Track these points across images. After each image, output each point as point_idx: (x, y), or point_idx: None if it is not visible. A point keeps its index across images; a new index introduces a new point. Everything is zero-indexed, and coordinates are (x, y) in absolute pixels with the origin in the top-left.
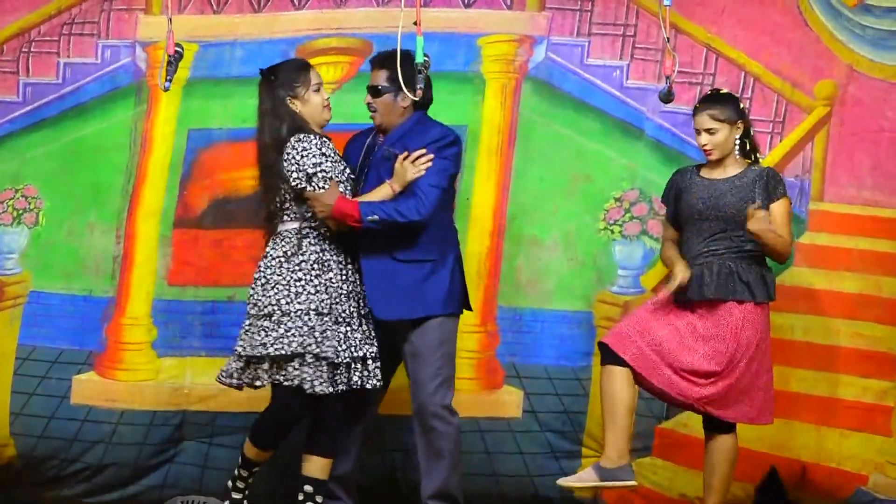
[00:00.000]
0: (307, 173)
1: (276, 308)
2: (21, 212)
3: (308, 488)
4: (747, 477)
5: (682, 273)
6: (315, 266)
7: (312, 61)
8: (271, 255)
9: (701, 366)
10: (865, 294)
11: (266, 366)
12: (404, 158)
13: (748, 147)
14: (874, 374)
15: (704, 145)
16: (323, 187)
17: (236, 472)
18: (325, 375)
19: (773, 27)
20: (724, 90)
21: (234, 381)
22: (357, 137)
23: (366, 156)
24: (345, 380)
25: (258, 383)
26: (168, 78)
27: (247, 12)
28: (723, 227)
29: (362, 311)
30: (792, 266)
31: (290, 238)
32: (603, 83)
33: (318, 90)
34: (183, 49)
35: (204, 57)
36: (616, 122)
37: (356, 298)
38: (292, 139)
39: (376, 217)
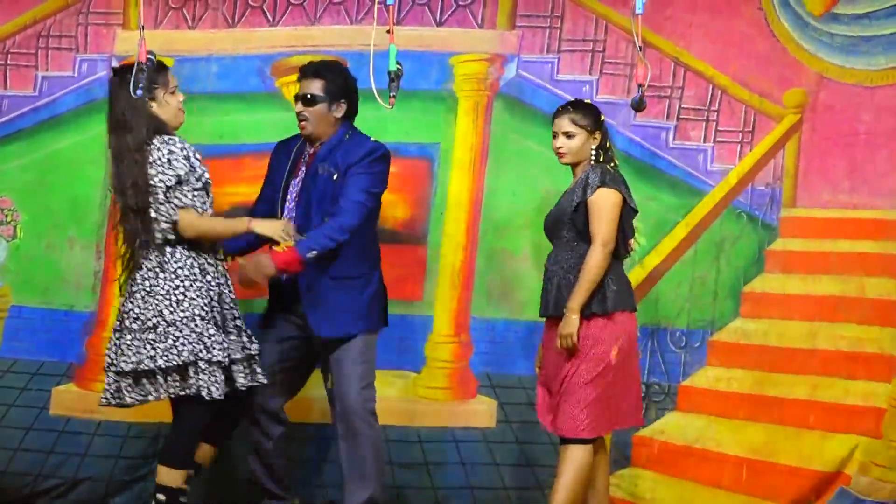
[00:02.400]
0: (178, 176)
1: (159, 319)
2: None
3: (161, 497)
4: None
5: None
6: (191, 272)
7: (288, 79)
8: (146, 266)
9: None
10: (846, 296)
11: (161, 379)
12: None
13: (601, 159)
14: (860, 376)
15: (559, 148)
16: (189, 196)
17: None
18: (220, 380)
19: (740, 39)
20: (588, 101)
21: (127, 399)
22: (283, 145)
23: (293, 166)
24: (232, 383)
25: (151, 398)
26: (140, 86)
27: (221, 27)
28: (560, 237)
29: (236, 314)
30: (764, 273)
31: (161, 246)
32: (573, 98)
33: (174, 93)
34: (155, 57)
35: (179, 72)
36: None
37: (231, 300)
38: (156, 141)
39: (315, 252)
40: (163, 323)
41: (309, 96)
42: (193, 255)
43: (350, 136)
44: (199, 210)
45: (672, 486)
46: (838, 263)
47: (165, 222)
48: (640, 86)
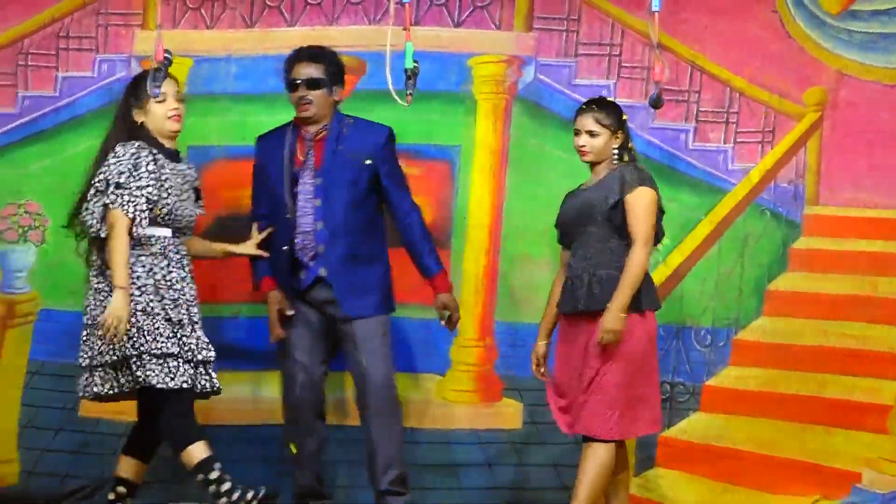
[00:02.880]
0: (109, 182)
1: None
2: (26, 229)
3: (122, 489)
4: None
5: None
6: (134, 269)
7: None
8: (95, 264)
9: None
10: (870, 295)
11: (113, 373)
12: None
13: (625, 159)
14: (874, 373)
15: (582, 146)
16: (119, 201)
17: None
18: (172, 370)
19: (756, 41)
20: (611, 99)
21: (94, 389)
22: (271, 137)
23: (292, 156)
24: (191, 380)
25: (114, 391)
26: (157, 84)
27: (239, 27)
28: (588, 233)
29: (194, 318)
30: (786, 271)
31: (104, 244)
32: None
33: (162, 101)
34: (172, 56)
35: (198, 72)
36: None
37: (186, 305)
38: (117, 145)
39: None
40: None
41: (311, 80)
42: (137, 253)
43: (353, 120)
44: (130, 216)
45: (696, 486)
46: (861, 262)
47: (96, 221)
48: (657, 83)
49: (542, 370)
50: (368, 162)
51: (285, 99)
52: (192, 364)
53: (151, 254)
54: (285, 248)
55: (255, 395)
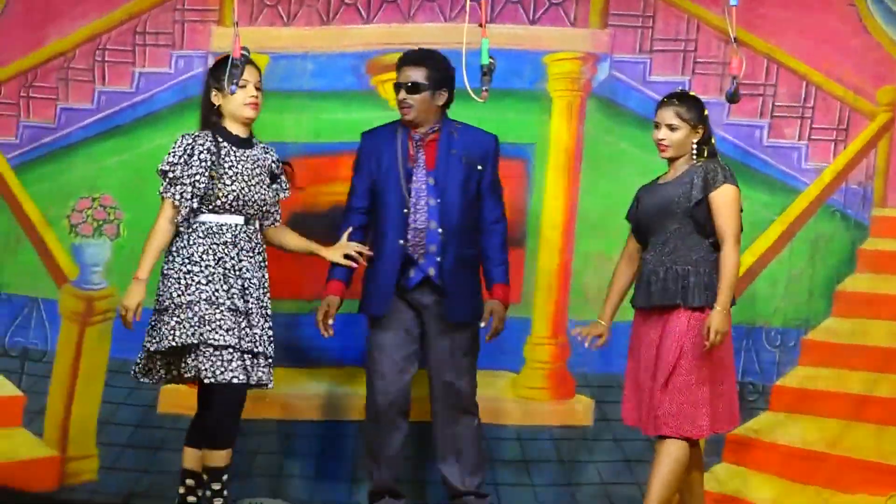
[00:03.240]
0: (160, 170)
1: (170, 301)
2: (101, 223)
3: (191, 482)
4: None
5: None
6: (204, 257)
7: (383, 76)
8: (169, 251)
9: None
10: None
11: (190, 358)
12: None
13: (705, 154)
14: None
15: (662, 140)
16: (168, 189)
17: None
18: (226, 364)
19: (833, 35)
20: (693, 93)
21: (169, 376)
22: (379, 133)
23: (405, 154)
24: (249, 372)
25: (187, 376)
26: (234, 82)
27: (316, 25)
28: (667, 229)
29: (263, 308)
30: (855, 273)
31: (182, 231)
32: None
33: (243, 87)
34: (249, 53)
35: (274, 70)
36: None
37: (256, 294)
38: (178, 135)
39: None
40: (172, 305)
41: (412, 84)
42: (208, 243)
43: (460, 124)
44: (176, 203)
45: (768, 483)
46: None
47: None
48: (734, 77)
49: (581, 337)
50: (480, 167)
51: (361, 96)
52: (250, 355)
53: (223, 242)
54: (401, 241)
55: (332, 392)
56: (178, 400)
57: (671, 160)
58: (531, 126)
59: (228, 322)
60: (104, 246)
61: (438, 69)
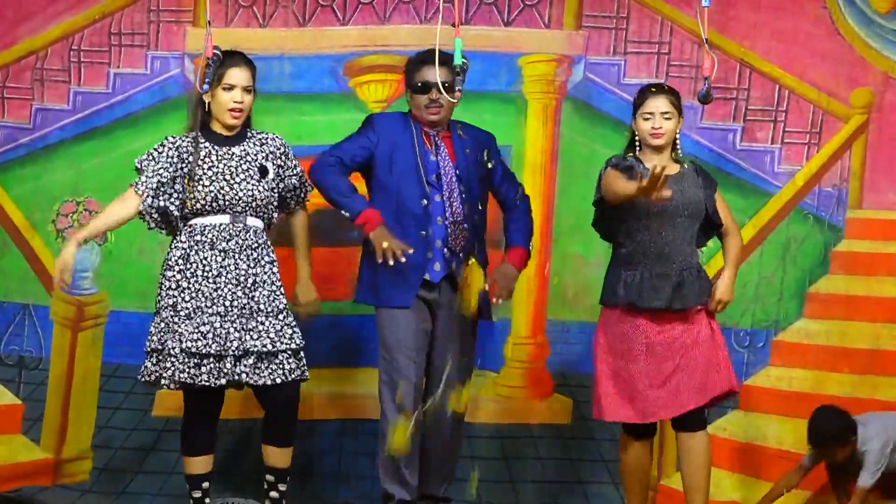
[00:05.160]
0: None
1: (162, 306)
2: None
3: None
4: None
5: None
6: (179, 262)
7: (361, 79)
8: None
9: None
10: None
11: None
12: None
13: (678, 149)
14: None
15: (658, 129)
16: (141, 185)
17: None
18: (184, 368)
19: (806, 39)
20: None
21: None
22: (392, 119)
23: (422, 147)
24: (224, 374)
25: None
26: (206, 80)
27: (292, 26)
28: (690, 229)
29: (245, 307)
30: (829, 274)
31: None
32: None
33: (229, 89)
34: (221, 52)
35: None
36: None
37: (232, 294)
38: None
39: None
40: (170, 310)
41: (447, 84)
42: (185, 245)
43: (462, 124)
44: (137, 192)
45: (734, 483)
46: None
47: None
48: (706, 78)
49: None
50: (490, 165)
51: (340, 98)
52: (214, 358)
53: (200, 243)
54: (423, 232)
55: (346, 391)
56: (174, 404)
57: (656, 150)
58: (507, 128)
59: (189, 327)
60: (92, 251)
61: (456, 70)
